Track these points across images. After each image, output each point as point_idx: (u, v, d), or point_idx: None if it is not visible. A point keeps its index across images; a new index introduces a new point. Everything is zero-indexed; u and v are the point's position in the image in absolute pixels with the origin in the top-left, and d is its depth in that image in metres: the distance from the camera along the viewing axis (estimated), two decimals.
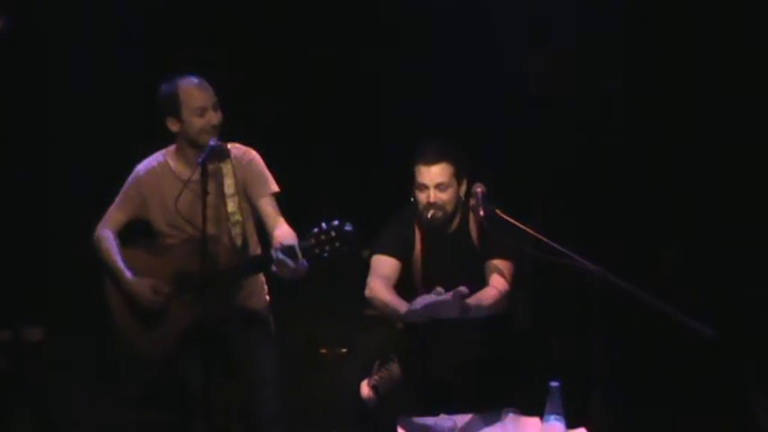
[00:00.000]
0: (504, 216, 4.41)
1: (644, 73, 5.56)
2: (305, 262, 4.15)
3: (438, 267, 4.60)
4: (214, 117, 4.42)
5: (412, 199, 4.59)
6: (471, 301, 4.32)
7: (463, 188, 4.57)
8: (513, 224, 4.39)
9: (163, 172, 4.52)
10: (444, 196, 4.50)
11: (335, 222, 4.11)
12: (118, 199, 4.60)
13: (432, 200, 4.49)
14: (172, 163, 4.53)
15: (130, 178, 4.59)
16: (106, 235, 4.56)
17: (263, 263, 4.31)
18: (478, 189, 4.47)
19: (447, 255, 4.57)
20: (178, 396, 4.54)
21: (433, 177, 4.49)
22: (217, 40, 5.74)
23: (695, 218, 5.50)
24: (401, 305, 4.35)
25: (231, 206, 4.48)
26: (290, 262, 4.12)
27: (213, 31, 5.78)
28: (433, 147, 4.52)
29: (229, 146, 4.55)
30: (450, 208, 4.54)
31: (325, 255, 4.12)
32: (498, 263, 4.51)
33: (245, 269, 4.46)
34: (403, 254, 4.61)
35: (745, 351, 5.08)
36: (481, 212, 4.40)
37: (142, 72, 5.59)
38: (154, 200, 4.53)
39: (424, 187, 4.51)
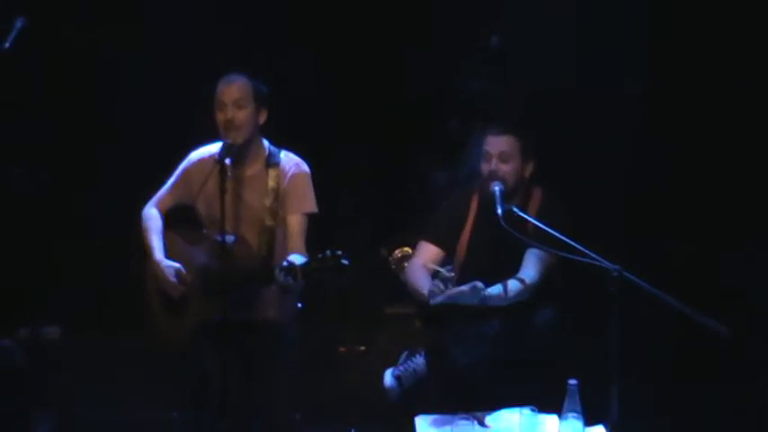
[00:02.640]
0: (522, 214, 4.46)
1: (661, 74, 5.55)
2: (302, 282, 4.18)
3: (482, 246, 4.70)
4: (230, 113, 4.44)
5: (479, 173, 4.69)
6: (494, 291, 4.43)
7: (528, 168, 4.67)
8: (531, 222, 4.43)
9: (212, 165, 4.47)
10: (506, 167, 4.61)
11: (338, 252, 4.12)
12: (170, 181, 4.68)
13: (493, 168, 4.59)
14: None
15: (183, 163, 4.67)
16: (151, 213, 4.64)
17: (264, 278, 4.32)
18: (496, 187, 4.52)
19: (495, 233, 4.58)
20: (203, 395, 4.55)
21: (497, 146, 4.61)
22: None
23: (713, 214, 5.48)
24: (425, 287, 4.49)
25: (264, 212, 4.52)
26: (290, 282, 4.16)
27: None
28: (502, 120, 4.69)
29: (282, 154, 4.60)
30: (510, 181, 4.61)
31: (323, 283, 4.14)
32: (538, 253, 4.56)
33: (251, 278, 4.44)
34: (448, 241, 4.74)
35: (763, 349, 5.06)
36: (498, 211, 4.44)
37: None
38: (199, 190, 4.55)
39: (489, 156, 4.62)
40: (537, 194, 4.73)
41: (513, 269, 4.56)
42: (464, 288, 4.37)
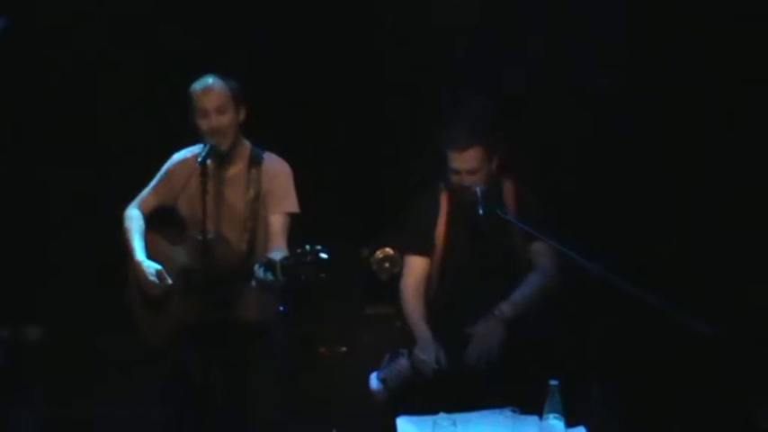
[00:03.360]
0: (503, 215, 4.46)
1: (645, 69, 5.55)
2: (282, 278, 4.14)
3: (460, 243, 4.69)
4: (215, 120, 4.45)
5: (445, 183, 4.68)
6: (505, 305, 4.46)
7: (494, 164, 4.64)
8: (513, 222, 4.44)
9: (195, 165, 4.48)
10: (476, 178, 4.58)
11: (317, 246, 4.08)
12: (153, 182, 4.69)
13: (464, 183, 4.57)
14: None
15: (166, 165, 4.68)
16: (133, 214, 4.66)
17: (245, 277, 4.32)
18: (477, 188, 4.52)
19: (472, 230, 4.62)
20: (186, 395, 4.54)
21: (463, 163, 4.56)
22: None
23: (698, 214, 5.48)
24: (421, 329, 4.54)
25: (246, 212, 4.52)
26: (269, 277, 4.14)
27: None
28: (463, 131, 4.60)
29: (265, 155, 4.62)
30: (483, 185, 4.58)
31: (303, 278, 4.09)
32: (539, 246, 4.55)
33: (232, 278, 4.43)
34: (430, 247, 4.70)
35: (747, 350, 5.06)
36: (480, 211, 4.43)
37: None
38: (181, 190, 4.59)
39: (457, 171, 4.59)
40: (508, 184, 4.72)
41: (492, 263, 4.56)
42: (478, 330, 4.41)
